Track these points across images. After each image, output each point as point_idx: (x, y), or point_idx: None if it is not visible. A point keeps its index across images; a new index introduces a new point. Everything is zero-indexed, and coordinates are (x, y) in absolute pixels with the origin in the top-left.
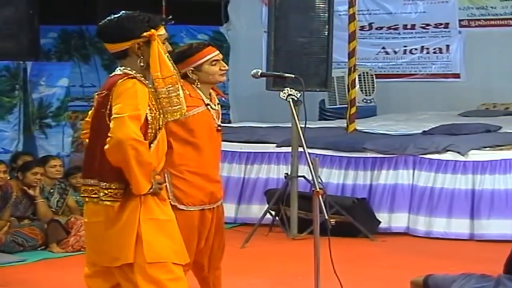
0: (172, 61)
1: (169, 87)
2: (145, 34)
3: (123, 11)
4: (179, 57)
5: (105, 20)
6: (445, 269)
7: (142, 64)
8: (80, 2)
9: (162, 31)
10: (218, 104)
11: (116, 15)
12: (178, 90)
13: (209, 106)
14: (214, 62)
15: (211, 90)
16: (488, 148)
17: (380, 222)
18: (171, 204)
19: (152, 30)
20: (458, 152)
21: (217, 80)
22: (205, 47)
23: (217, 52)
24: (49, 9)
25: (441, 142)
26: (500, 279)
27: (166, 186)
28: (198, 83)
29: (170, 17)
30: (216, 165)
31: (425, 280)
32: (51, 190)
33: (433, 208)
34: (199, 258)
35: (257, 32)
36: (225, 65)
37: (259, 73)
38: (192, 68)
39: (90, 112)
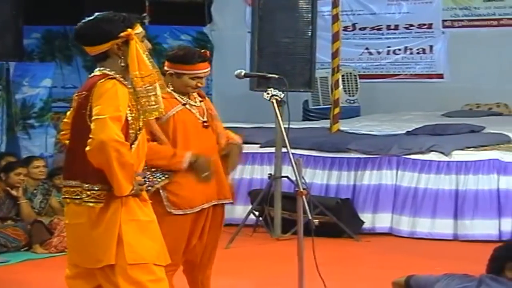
0: (151, 59)
1: (147, 86)
2: (122, 34)
3: (97, 13)
4: (174, 57)
5: (81, 23)
6: (429, 269)
7: (123, 64)
8: (64, 2)
9: (139, 29)
10: (200, 101)
11: (90, 18)
12: (156, 89)
13: (187, 105)
14: (195, 78)
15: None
16: (471, 149)
17: (363, 222)
18: (166, 211)
19: (129, 30)
20: (442, 153)
21: (187, 92)
22: (200, 63)
23: (205, 70)
24: (33, 10)
25: (425, 142)
26: (483, 278)
27: (159, 191)
28: (170, 86)
29: (145, 14)
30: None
31: (406, 280)
32: (34, 191)
33: (417, 209)
34: (192, 256)
35: (241, 32)
36: (203, 83)
37: (242, 74)
38: (173, 72)
39: (68, 113)
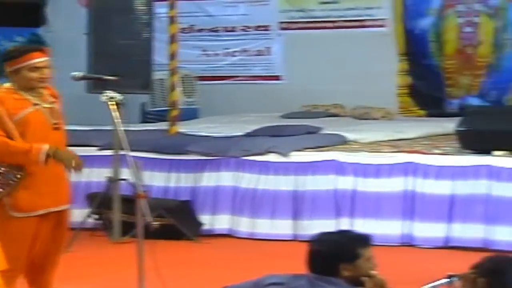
0: None
1: None
2: None
3: None
4: (7, 55)
5: None
6: (269, 269)
7: None
8: None
9: None
10: (53, 102)
11: None
12: None
13: (38, 106)
14: (34, 69)
15: (42, 89)
16: (309, 149)
17: (203, 224)
18: (6, 214)
19: None
20: (280, 154)
21: (35, 86)
22: (29, 52)
23: (42, 59)
24: None
25: (263, 143)
26: (312, 280)
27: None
28: (16, 86)
29: None
30: (59, 165)
31: None
32: None
33: (256, 209)
34: (34, 259)
35: (77, 34)
36: (46, 73)
37: (79, 76)
38: (11, 70)
39: None
